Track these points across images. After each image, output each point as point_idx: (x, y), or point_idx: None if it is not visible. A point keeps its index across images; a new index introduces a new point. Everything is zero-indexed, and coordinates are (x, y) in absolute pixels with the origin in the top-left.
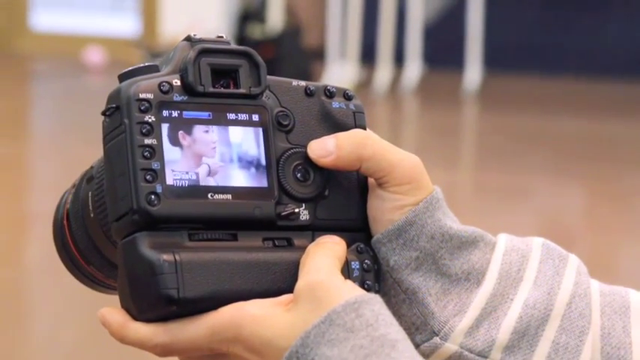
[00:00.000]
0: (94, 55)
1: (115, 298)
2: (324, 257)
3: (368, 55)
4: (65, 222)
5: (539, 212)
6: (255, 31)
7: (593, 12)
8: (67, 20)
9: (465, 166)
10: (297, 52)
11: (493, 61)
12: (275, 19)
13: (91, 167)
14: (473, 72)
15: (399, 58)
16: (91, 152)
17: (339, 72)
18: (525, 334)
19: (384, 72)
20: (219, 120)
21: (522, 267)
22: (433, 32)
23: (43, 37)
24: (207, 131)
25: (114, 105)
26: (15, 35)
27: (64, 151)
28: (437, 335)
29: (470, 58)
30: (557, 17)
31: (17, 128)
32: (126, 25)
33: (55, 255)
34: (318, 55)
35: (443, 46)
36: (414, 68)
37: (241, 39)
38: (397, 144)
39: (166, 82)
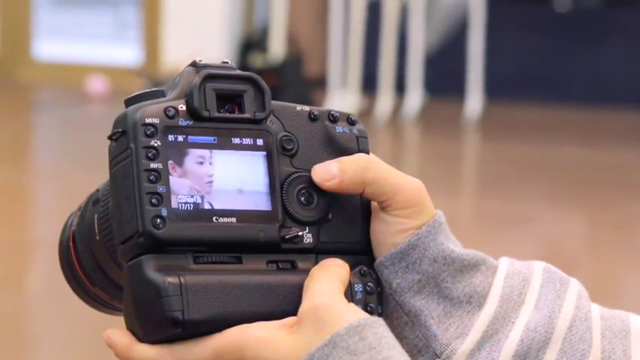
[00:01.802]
0: (97, 84)
1: (119, 320)
2: (328, 280)
3: (369, 84)
4: (71, 244)
5: (541, 240)
6: (256, 60)
7: (593, 41)
8: (70, 49)
9: (467, 194)
10: (298, 81)
11: (494, 89)
12: (277, 47)
13: (97, 190)
14: (474, 100)
15: (400, 86)
16: (93, 180)
17: (341, 101)
18: (527, 357)
19: (385, 100)
20: (224, 144)
21: (524, 290)
22: (434, 61)
23: (45, 66)
24: (211, 156)
25: (120, 129)
26: (18, 64)
27: (66, 179)
28: (439, 358)
29: (471, 86)
30: (558, 46)
31: (20, 156)
32: (128, 54)
33: (58, 282)
34: (320, 83)
35: (444, 75)
36: (415, 97)
37: (243, 68)
38: None
39: (172, 107)
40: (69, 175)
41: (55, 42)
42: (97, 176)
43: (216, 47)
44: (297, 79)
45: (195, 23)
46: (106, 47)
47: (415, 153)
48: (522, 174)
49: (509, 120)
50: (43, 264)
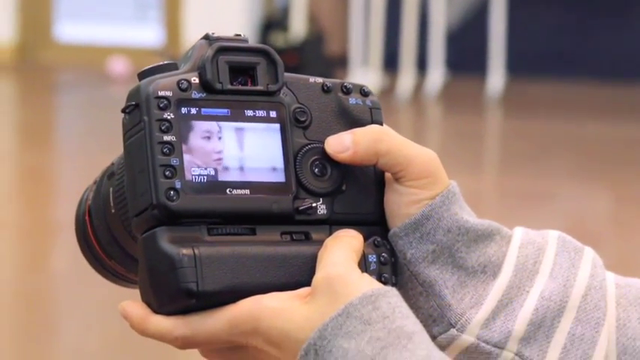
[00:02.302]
0: (118, 65)
1: (137, 293)
2: (342, 251)
3: (391, 62)
4: (87, 218)
5: (564, 216)
6: (278, 39)
7: (615, 16)
8: (91, 31)
9: (489, 172)
10: (320, 60)
11: (516, 66)
12: (298, 27)
13: (112, 164)
14: (496, 77)
15: (421, 64)
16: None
17: (362, 79)
18: (541, 326)
19: (406, 78)
20: (237, 116)
21: (538, 259)
22: (456, 38)
23: (67, 48)
24: (225, 128)
25: (133, 102)
26: (40, 47)
27: (89, 160)
28: (454, 327)
29: (493, 63)
30: (579, 22)
31: (43, 138)
32: (149, 34)
33: (83, 262)
34: (341, 62)
35: (466, 52)
36: (436, 74)
37: None
38: None
39: (185, 79)
40: (92, 156)
41: (76, 24)
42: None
43: (237, 27)
44: (319, 58)
45: (216, 3)
46: (127, 28)
47: (437, 131)
48: (545, 151)
49: (532, 97)
50: (68, 244)
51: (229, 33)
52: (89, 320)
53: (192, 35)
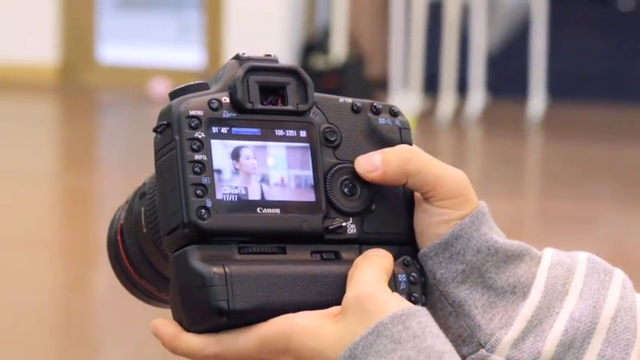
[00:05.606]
0: (160, 87)
1: (169, 312)
2: (372, 270)
3: (431, 85)
4: (119, 237)
5: (606, 241)
6: (318, 62)
7: None
8: (134, 53)
9: (530, 195)
10: (360, 82)
11: (557, 89)
12: (338, 49)
13: (144, 184)
14: (537, 100)
15: (462, 87)
16: None
17: (403, 101)
18: (571, 347)
19: (447, 101)
20: (268, 136)
21: (568, 280)
22: (496, 61)
23: (110, 70)
24: (255, 147)
25: (165, 122)
26: (83, 68)
27: (131, 180)
28: (483, 347)
29: (534, 86)
30: (621, 45)
31: (85, 159)
32: (191, 56)
33: None
34: (382, 85)
35: (506, 75)
36: (477, 97)
37: (305, 70)
38: None
39: (216, 99)
40: (133, 177)
41: (118, 45)
42: None
43: (277, 49)
44: (359, 80)
45: (257, 25)
46: (169, 50)
47: (478, 154)
48: (586, 175)
49: (573, 120)
50: (109, 264)
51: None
52: (130, 340)
53: None
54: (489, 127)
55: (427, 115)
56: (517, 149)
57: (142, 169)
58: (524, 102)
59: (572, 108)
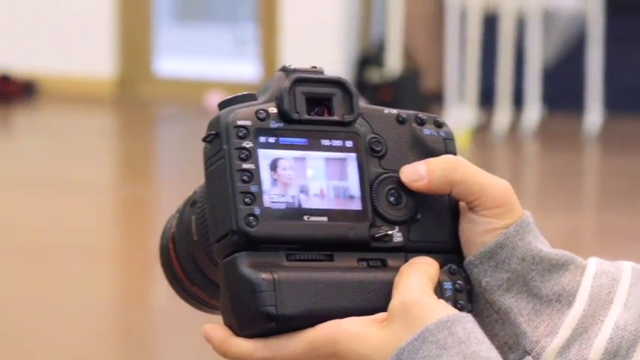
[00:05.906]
0: (216, 99)
1: (221, 319)
2: (417, 277)
3: (486, 98)
4: (171, 245)
5: None
6: (373, 75)
7: None
8: (190, 65)
9: (589, 210)
10: (415, 96)
11: (614, 102)
12: (393, 63)
13: (194, 192)
14: (593, 114)
15: (518, 100)
16: None
17: (458, 115)
18: (616, 355)
19: (503, 115)
20: (314, 146)
21: (613, 290)
22: (552, 74)
23: (166, 82)
24: (294, 159)
25: (214, 132)
26: (139, 81)
27: (187, 190)
28: (529, 354)
29: (590, 100)
30: None
31: (143, 171)
32: (247, 69)
33: None
34: (437, 98)
35: (562, 89)
36: (533, 111)
37: (360, 83)
38: (517, 187)
39: (263, 109)
40: (189, 187)
41: (175, 58)
42: None
43: (333, 62)
44: (414, 93)
45: (312, 38)
46: (225, 63)
47: (534, 168)
48: None
49: (630, 133)
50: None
51: (325, 69)
52: (187, 348)
53: None
54: (545, 140)
55: (483, 129)
56: (574, 163)
57: (198, 180)
58: (580, 115)
59: (629, 122)
